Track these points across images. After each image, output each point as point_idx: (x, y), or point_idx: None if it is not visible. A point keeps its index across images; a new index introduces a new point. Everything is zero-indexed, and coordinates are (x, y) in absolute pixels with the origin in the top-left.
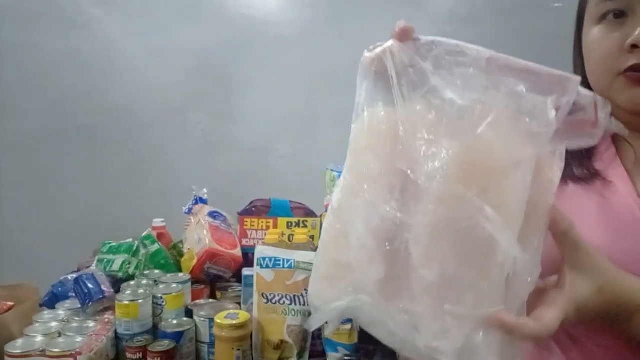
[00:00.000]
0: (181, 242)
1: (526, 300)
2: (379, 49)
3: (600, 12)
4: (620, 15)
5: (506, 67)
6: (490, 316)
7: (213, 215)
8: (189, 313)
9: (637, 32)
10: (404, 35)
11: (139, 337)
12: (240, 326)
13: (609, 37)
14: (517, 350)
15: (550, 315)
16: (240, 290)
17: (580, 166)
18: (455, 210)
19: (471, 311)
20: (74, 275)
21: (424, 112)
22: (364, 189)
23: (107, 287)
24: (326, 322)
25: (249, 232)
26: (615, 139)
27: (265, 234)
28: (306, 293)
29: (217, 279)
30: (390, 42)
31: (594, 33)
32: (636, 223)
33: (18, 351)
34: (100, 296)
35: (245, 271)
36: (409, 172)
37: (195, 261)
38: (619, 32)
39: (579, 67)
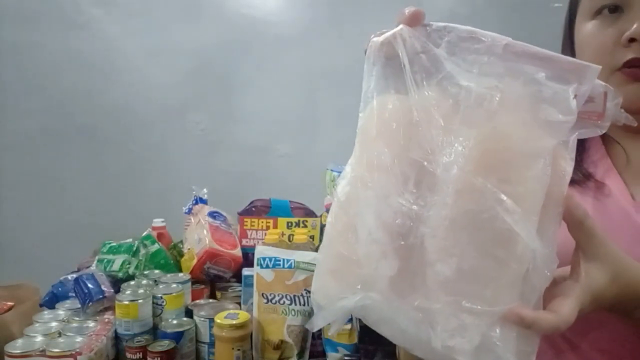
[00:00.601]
0: (181, 242)
1: (542, 293)
2: (388, 34)
3: (595, 7)
4: (615, 9)
5: (523, 54)
6: (508, 311)
7: (213, 215)
8: (189, 313)
9: (635, 26)
10: (414, 20)
11: (139, 337)
12: (240, 326)
13: (604, 32)
14: (533, 346)
15: (567, 307)
16: (240, 290)
17: (574, 169)
18: (474, 202)
19: (490, 307)
20: (74, 275)
21: (440, 99)
22: (374, 180)
23: (107, 287)
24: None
25: (249, 232)
26: (606, 141)
27: (265, 234)
28: (306, 293)
29: (217, 279)
30: (400, 27)
31: (588, 28)
32: (631, 224)
33: (18, 351)
34: (100, 296)
35: (245, 271)
36: (424, 162)
37: (195, 261)
38: (615, 27)
39: None
